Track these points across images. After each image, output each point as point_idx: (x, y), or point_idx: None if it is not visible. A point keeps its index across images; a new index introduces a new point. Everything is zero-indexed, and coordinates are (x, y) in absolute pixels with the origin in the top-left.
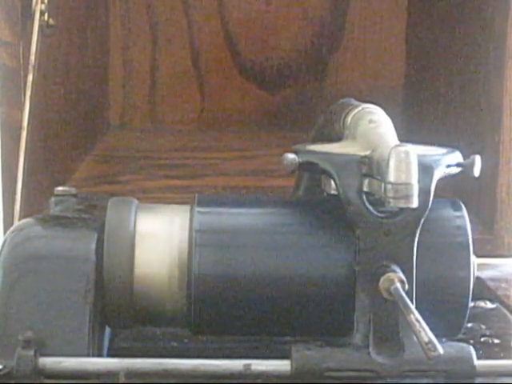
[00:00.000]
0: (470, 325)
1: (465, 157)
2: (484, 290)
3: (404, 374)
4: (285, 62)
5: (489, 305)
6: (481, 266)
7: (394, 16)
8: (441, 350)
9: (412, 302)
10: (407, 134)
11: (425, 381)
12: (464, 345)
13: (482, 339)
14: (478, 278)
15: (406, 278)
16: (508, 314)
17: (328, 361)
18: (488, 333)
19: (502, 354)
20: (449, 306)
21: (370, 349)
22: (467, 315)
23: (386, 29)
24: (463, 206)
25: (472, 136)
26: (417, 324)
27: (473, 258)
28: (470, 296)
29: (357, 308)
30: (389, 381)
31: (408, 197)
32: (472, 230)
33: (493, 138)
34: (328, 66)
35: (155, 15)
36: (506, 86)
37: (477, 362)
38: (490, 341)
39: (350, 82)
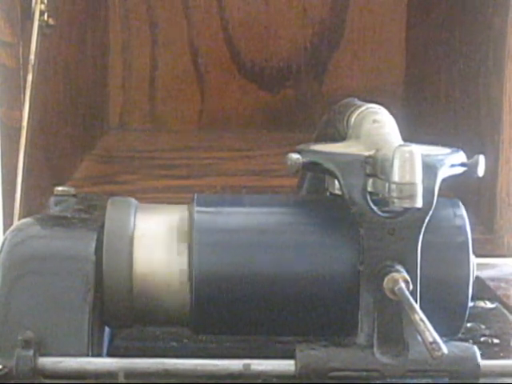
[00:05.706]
0: (469, 325)
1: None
2: (484, 289)
3: (408, 374)
4: (285, 62)
5: (488, 305)
6: (481, 266)
7: (393, 16)
8: (445, 350)
9: (416, 302)
10: (407, 134)
11: (429, 381)
12: (468, 345)
13: (482, 339)
14: (477, 278)
15: (410, 277)
16: (508, 313)
17: (333, 361)
18: (488, 333)
19: (501, 354)
20: (448, 305)
21: (375, 349)
22: (467, 315)
23: (385, 29)
24: (463, 206)
25: (472, 136)
26: (421, 324)
27: (472, 257)
28: (470, 296)
29: (361, 308)
30: (393, 381)
31: (412, 196)
32: (472, 229)
33: (493, 138)
34: (328, 66)
35: (155, 15)
36: (505, 86)
37: (481, 362)
38: (490, 341)
39: (350, 81)
